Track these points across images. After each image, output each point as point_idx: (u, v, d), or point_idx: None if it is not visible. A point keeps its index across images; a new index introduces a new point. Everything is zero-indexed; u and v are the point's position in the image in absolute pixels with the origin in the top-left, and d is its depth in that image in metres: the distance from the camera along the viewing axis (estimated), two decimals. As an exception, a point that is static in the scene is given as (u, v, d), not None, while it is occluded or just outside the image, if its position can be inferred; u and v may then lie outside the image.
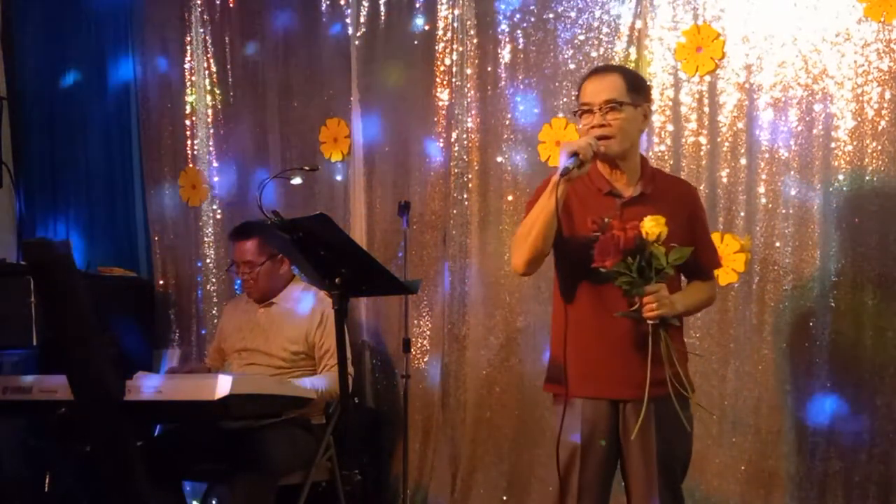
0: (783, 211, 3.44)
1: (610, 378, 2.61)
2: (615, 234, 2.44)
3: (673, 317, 2.52)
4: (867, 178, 3.30)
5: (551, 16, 3.88)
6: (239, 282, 4.16)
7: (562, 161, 2.48)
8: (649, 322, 2.49)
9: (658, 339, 2.50)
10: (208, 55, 4.72)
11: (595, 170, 2.63)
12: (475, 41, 4.04)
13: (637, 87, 2.65)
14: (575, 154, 2.46)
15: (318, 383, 3.58)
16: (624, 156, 2.63)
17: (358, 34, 4.32)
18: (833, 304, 3.35)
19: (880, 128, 3.28)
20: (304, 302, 3.79)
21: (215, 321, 4.57)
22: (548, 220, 2.51)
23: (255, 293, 3.84)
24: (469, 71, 4.05)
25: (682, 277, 2.77)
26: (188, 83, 4.76)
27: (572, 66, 3.84)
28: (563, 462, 2.63)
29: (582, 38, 3.82)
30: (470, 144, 4.07)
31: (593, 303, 2.61)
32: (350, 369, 3.59)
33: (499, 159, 4.01)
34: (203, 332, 4.71)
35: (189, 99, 4.77)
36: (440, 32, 4.12)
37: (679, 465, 2.68)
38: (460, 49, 4.07)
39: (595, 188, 2.64)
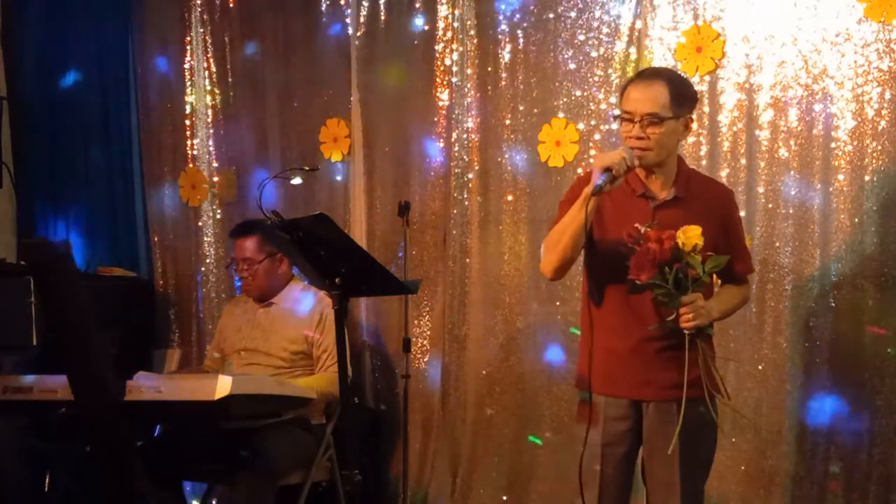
0: (783, 211, 3.44)
1: (633, 378, 2.62)
2: (651, 246, 2.42)
3: (708, 324, 2.52)
4: (867, 178, 3.30)
5: (551, 16, 3.88)
6: (239, 281, 4.16)
7: (595, 176, 2.47)
8: (686, 332, 2.48)
9: (694, 347, 2.49)
10: (208, 55, 4.72)
11: (631, 172, 2.61)
12: (475, 41, 4.04)
13: (681, 99, 2.59)
14: (608, 170, 2.46)
15: (314, 384, 3.58)
16: (661, 164, 2.63)
17: (358, 34, 4.32)
18: (833, 304, 3.35)
19: (880, 128, 3.28)
20: (304, 302, 3.80)
21: (216, 321, 4.56)
22: (577, 232, 2.53)
23: (253, 291, 3.85)
24: (469, 71, 4.05)
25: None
26: (188, 83, 4.76)
27: (572, 66, 3.84)
28: (586, 458, 2.64)
29: (582, 38, 3.82)
30: (470, 144, 4.07)
31: (620, 303, 2.61)
32: (348, 371, 3.59)
33: (499, 159, 4.01)
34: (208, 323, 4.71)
35: (189, 99, 4.76)
36: (440, 32, 4.12)
37: (700, 467, 2.68)
38: (460, 49, 4.07)
39: (629, 189, 2.64)
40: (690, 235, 2.42)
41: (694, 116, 2.71)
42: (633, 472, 2.71)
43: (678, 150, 2.73)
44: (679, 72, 2.82)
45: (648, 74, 2.68)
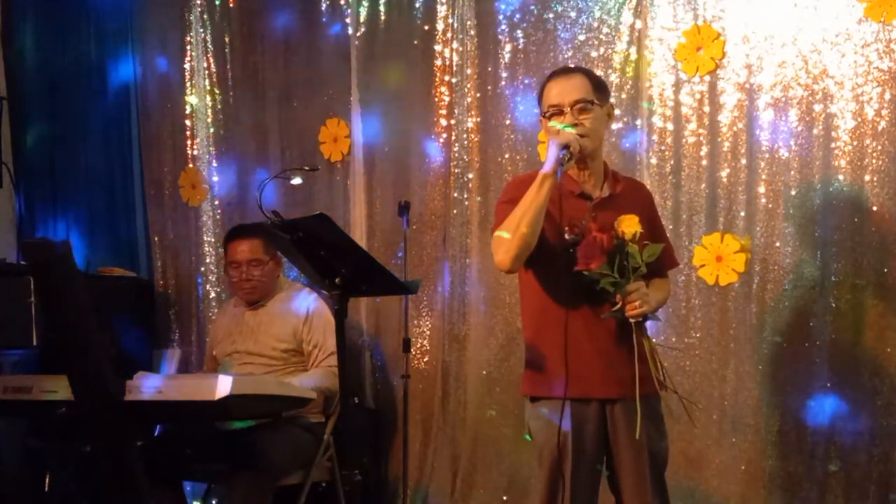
0: (783, 211, 3.44)
1: (598, 378, 2.60)
2: (596, 236, 2.46)
3: (651, 313, 2.56)
4: (867, 178, 3.30)
5: (551, 16, 3.88)
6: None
7: (552, 154, 2.48)
8: (632, 320, 2.50)
9: (641, 336, 2.53)
10: (208, 55, 4.72)
11: (565, 172, 2.60)
12: (475, 41, 4.04)
13: (601, 88, 2.68)
14: (566, 146, 2.47)
15: (308, 381, 3.57)
16: (594, 156, 2.66)
17: (358, 34, 4.32)
18: (833, 304, 3.35)
19: (880, 128, 3.28)
20: (290, 300, 3.80)
21: (211, 326, 4.56)
22: (537, 213, 2.49)
23: (253, 295, 3.82)
24: (469, 71, 4.05)
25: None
26: (188, 83, 4.76)
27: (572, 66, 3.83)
28: (555, 462, 2.62)
29: (582, 38, 3.82)
30: (470, 144, 4.07)
31: (576, 303, 2.59)
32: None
33: (499, 159, 4.01)
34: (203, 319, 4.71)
35: (189, 99, 4.77)
36: (440, 32, 4.12)
37: (663, 457, 2.70)
38: (460, 49, 4.07)
39: (567, 190, 2.63)
40: (630, 224, 2.49)
41: (614, 104, 2.76)
42: (601, 472, 2.69)
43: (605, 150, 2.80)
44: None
45: (564, 70, 2.76)
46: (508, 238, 2.53)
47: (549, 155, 2.50)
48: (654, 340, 2.61)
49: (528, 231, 2.50)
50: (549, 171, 2.47)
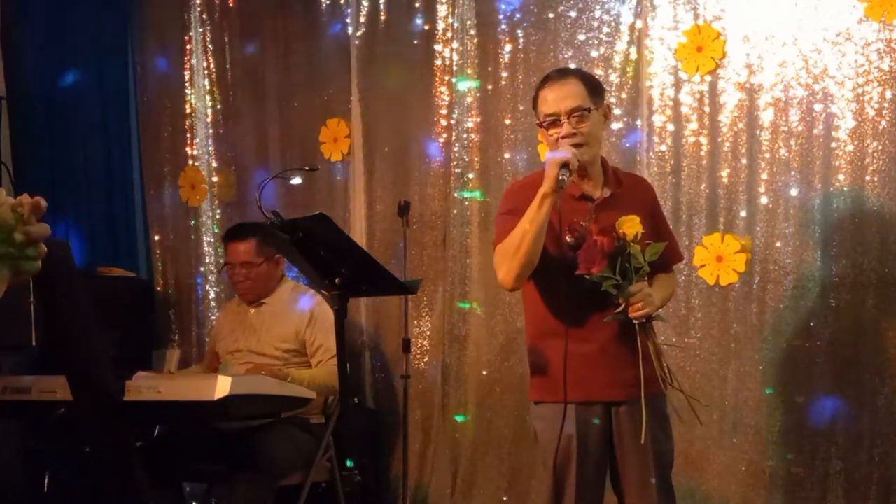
0: (784, 211, 3.44)
1: (602, 381, 2.60)
2: (597, 239, 2.45)
3: (655, 312, 2.55)
4: (867, 178, 3.30)
5: (551, 16, 3.88)
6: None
7: (550, 173, 2.46)
8: (635, 322, 2.50)
9: (646, 337, 2.52)
10: (208, 55, 4.72)
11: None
12: (475, 41, 4.04)
13: (596, 90, 2.65)
14: (565, 164, 2.46)
15: (315, 375, 3.57)
16: (592, 161, 2.64)
17: (358, 34, 4.31)
18: (833, 305, 3.35)
19: (881, 128, 3.28)
20: (294, 301, 3.80)
21: (214, 321, 4.56)
22: (538, 233, 2.48)
23: (249, 295, 3.83)
24: (469, 71, 4.05)
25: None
26: (188, 83, 4.76)
27: (572, 67, 3.83)
28: (559, 465, 2.62)
29: (582, 38, 3.82)
30: (470, 144, 4.06)
31: (579, 306, 2.59)
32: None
33: (499, 159, 4.01)
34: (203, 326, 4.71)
35: (189, 99, 4.76)
36: (440, 32, 4.12)
37: (668, 458, 2.69)
38: (460, 49, 4.07)
39: (567, 193, 2.61)
40: (631, 224, 2.48)
41: (612, 104, 2.72)
42: (605, 474, 2.69)
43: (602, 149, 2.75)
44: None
45: (558, 74, 2.70)
46: (509, 258, 2.53)
47: (548, 173, 2.47)
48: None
49: (527, 250, 2.50)
50: (549, 190, 2.45)
